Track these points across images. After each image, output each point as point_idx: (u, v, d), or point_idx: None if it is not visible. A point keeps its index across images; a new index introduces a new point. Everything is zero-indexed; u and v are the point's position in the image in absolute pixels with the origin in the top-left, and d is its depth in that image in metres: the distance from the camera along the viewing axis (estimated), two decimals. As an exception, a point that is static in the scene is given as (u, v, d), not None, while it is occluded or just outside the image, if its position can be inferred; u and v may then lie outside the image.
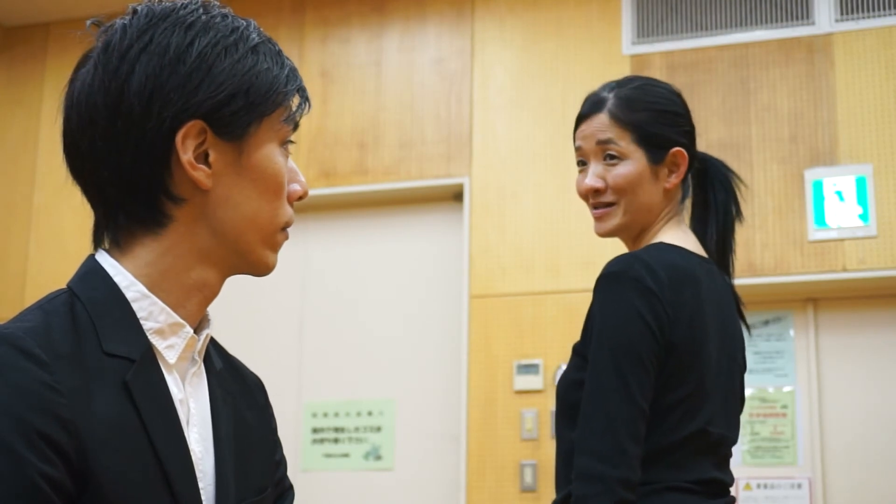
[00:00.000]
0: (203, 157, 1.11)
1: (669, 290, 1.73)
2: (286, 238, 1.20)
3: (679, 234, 1.88)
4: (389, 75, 5.09)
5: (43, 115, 5.47)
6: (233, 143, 1.12)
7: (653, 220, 1.89)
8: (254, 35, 1.15)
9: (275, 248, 1.19)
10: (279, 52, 1.17)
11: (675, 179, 1.89)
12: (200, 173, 1.10)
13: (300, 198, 1.20)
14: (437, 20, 5.09)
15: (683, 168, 1.90)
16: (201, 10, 1.13)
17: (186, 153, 1.09)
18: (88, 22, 1.15)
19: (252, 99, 1.12)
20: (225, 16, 1.15)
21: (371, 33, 5.17)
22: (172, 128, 1.08)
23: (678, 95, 1.95)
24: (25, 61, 5.60)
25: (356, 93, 5.11)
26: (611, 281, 1.74)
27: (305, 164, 5.06)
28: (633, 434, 1.66)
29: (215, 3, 1.17)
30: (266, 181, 1.14)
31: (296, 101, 1.18)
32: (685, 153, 1.90)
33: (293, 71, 1.18)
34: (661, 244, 1.83)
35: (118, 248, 1.13)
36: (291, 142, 1.19)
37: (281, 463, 1.30)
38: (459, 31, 5.05)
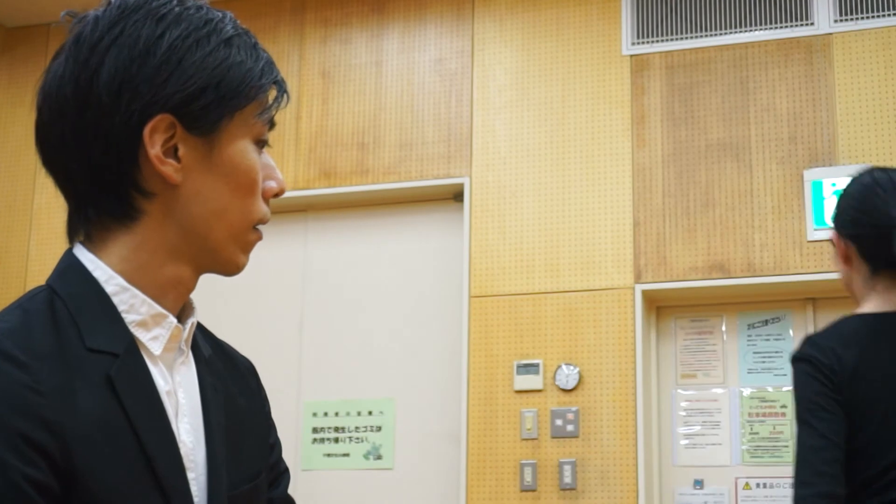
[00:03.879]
0: (173, 152, 1.09)
1: (834, 357, 2.13)
2: (259, 238, 1.17)
3: (874, 301, 2.23)
4: (389, 75, 5.10)
5: (44, 115, 5.48)
6: (203, 137, 1.10)
7: (856, 295, 2.29)
8: (228, 28, 1.13)
9: (245, 247, 1.16)
10: (255, 45, 1.15)
11: (845, 266, 2.31)
12: (168, 168, 1.09)
13: (276, 195, 1.17)
14: (437, 20, 5.10)
15: (843, 253, 2.31)
16: (175, 2, 1.12)
17: (154, 147, 1.08)
18: (63, 14, 1.14)
19: (223, 93, 1.10)
20: (200, 7, 1.13)
21: (371, 33, 5.18)
22: (140, 121, 1.07)
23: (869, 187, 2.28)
24: (26, 62, 5.61)
25: (356, 93, 5.12)
26: (792, 363, 2.18)
27: (305, 164, 5.07)
28: (824, 458, 2.06)
29: None
30: (238, 177, 1.12)
31: (271, 95, 1.15)
32: (840, 240, 2.32)
33: (269, 64, 1.15)
34: (844, 317, 2.23)
35: (91, 242, 1.12)
36: (265, 141, 1.17)
37: (276, 446, 1.29)
38: (459, 31, 5.05)
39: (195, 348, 1.18)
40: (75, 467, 0.97)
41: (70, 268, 1.10)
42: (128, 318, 1.08)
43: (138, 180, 1.09)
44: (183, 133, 1.09)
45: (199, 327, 1.22)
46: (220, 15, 1.14)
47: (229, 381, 1.23)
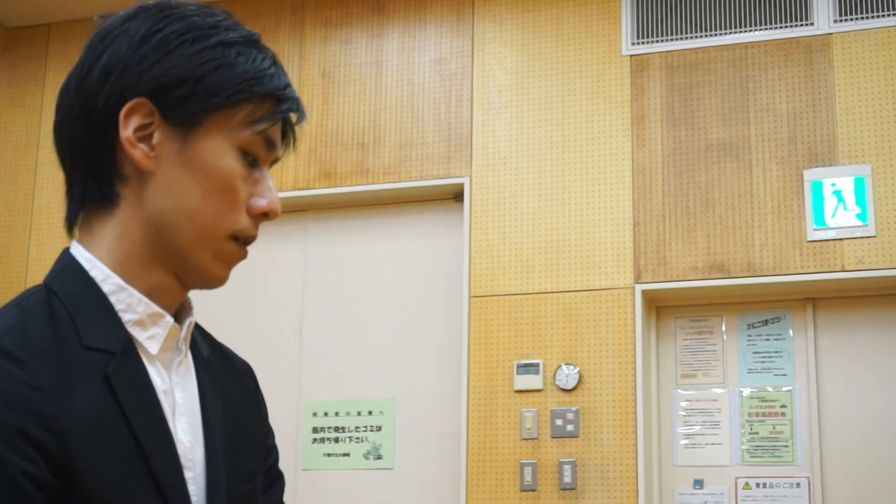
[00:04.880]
0: (149, 139, 1.10)
1: None
2: (240, 253, 1.14)
3: None
4: (389, 75, 5.10)
5: (44, 115, 5.48)
6: (179, 129, 1.10)
7: None
8: (235, 35, 1.12)
9: (219, 255, 1.13)
10: (265, 58, 1.13)
11: None
12: (138, 152, 1.09)
13: (265, 214, 1.14)
14: (437, 20, 5.10)
15: None
16: (192, 7, 1.13)
17: (127, 129, 1.08)
18: (96, 17, 1.17)
19: (205, 87, 1.09)
20: (215, 14, 1.14)
21: (371, 33, 5.18)
22: (119, 102, 1.09)
23: None
24: (27, 62, 5.61)
25: (356, 93, 5.12)
26: None
27: (305, 164, 5.08)
28: None
29: (219, 9, 1.15)
30: (210, 178, 1.10)
31: (265, 108, 1.13)
32: None
33: (271, 77, 1.13)
34: None
35: (81, 231, 1.13)
36: (254, 155, 1.13)
37: (273, 450, 1.29)
38: (459, 31, 5.06)
39: (194, 349, 1.18)
40: (73, 464, 0.97)
41: (67, 267, 1.11)
42: (125, 317, 1.09)
43: (114, 162, 1.10)
44: (160, 121, 1.10)
45: (198, 328, 1.22)
46: (234, 25, 1.14)
47: (228, 382, 1.23)
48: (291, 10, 5.31)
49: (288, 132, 1.18)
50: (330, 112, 5.12)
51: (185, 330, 1.15)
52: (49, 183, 5.40)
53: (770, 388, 4.52)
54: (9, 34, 5.69)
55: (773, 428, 4.48)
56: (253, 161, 1.13)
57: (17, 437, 0.95)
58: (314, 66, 5.20)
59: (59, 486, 0.97)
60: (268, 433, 1.29)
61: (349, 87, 5.14)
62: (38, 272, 5.30)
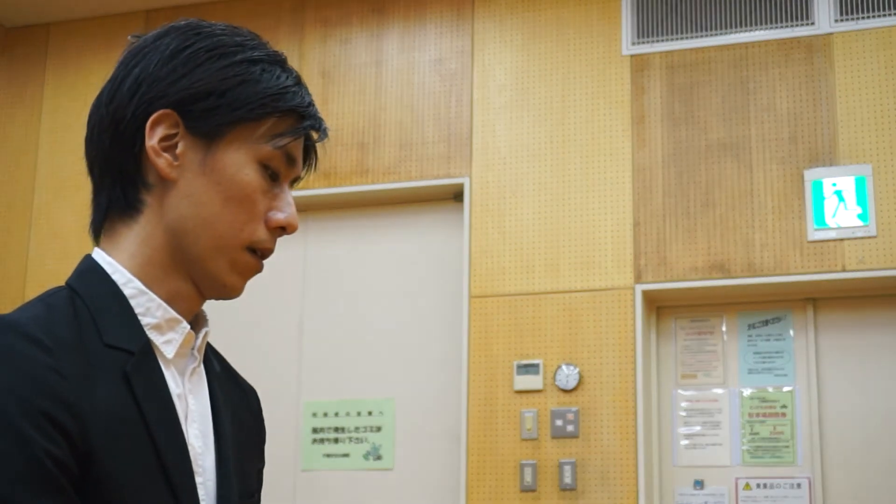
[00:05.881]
0: (174, 149, 1.13)
1: None
2: (256, 266, 1.18)
3: None
4: (389, 75, 5.10)
5: (44, 115, 5.48)
6: (203, 140, 1.14)
7: None
8: (260, 53, 1.17)
9: (236, 266, 1.16)
10: (288, 77, 1.18)
11: None
12: (163, 161, 1.13)
13: (282, 228, 1.17)
14: (437, 20, 5.10)
15: None
16: (221, 26, 1.18)
17: (152, 139, 1.12)
18: (130, 36, 1.22)
19: (228, 101, 1.13)
20: (242, 34, 1.18)
21: (371, 33, 5.18)
22: (147, 112, 1.13)
23: None
24: (26, 62, 5.61)
25: (356, 93, 5.12)
26: None
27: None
28: None
29: (246, 30, 1.19)
30: (230, 189, 1.13)
31: (287, 123, 1.16)
32: None
33: (296, 95, 1.17)
34: None
35: (105, 236, 1.16)
36: (275, 170, 1.16)
37: (261, 474, 1.32)
38: (459, 31, 5.05)
39: (207, 362, 1.21)
40: (93, 452, 1.00)
41: (89, 270, 1.14)
42: (144, 320, 1.12)
43: (139, 170, 1.14)
44: (184, 132, 1.13)
45: (210, 347, 1.25)
46: (260, 45, 1.18)
47: (236, 399, 1.26)
48: (291, 10, 5.30)
49: (311, 152, 1.22)
50: (330, 112, 5.12)
51: (201, 339, 1.18)
52: (48, 183, 5.39)
53: (770, 389, 4.52)
54: (8, 34, 5.68)
55: (774, 428, 4.48)
56: (273, 175, 1.17)
57: (43, 418, 0.97)
58: (314, 66, 5.20)
59: (79, 471, 1.00)
60: (262, 457, 1.32)
61: (349, 87, 5.14)
62: (37, 272, 5.29)
